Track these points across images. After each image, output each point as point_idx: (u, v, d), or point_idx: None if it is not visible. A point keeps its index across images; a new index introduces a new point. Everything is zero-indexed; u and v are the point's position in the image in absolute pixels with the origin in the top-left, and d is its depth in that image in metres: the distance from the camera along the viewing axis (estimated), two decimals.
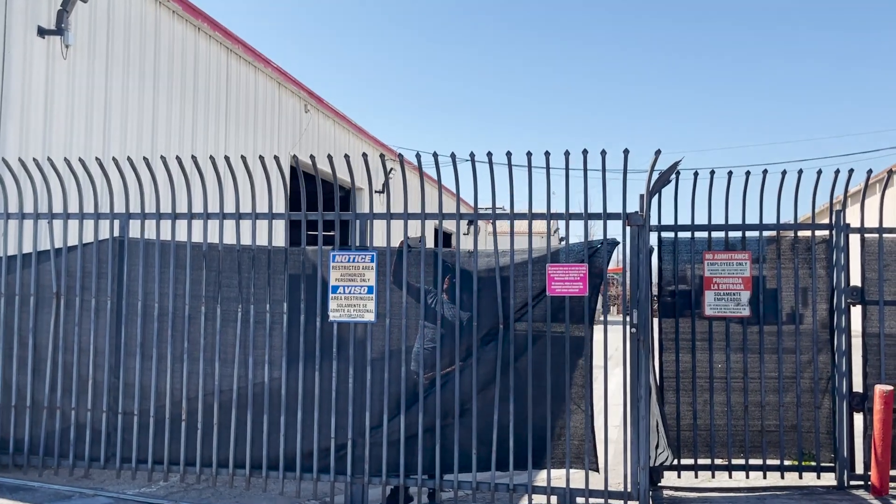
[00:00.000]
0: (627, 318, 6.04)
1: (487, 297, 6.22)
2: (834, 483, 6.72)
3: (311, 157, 6.63)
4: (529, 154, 6.03)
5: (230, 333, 6.52)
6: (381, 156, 6.96)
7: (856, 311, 6.79)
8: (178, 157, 6.59)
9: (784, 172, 6.80)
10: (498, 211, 6.41)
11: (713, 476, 6.87)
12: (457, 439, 6.12)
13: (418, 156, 6.73)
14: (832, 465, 6.76)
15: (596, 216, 6.12)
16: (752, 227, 6.93)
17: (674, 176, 6.50)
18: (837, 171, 6.77)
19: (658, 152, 5.85)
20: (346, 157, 6.39)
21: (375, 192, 15.33)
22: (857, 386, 6.78)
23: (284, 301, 6.44)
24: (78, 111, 8.81)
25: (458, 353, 6.17)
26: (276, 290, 6.50)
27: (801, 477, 6.81)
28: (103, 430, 6.64)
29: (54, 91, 8.41)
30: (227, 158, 6.52)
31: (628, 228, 6.04)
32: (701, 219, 6.93)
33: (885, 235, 6.74)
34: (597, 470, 6.12)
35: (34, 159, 6.95)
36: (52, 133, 8.35)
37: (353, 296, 6.34)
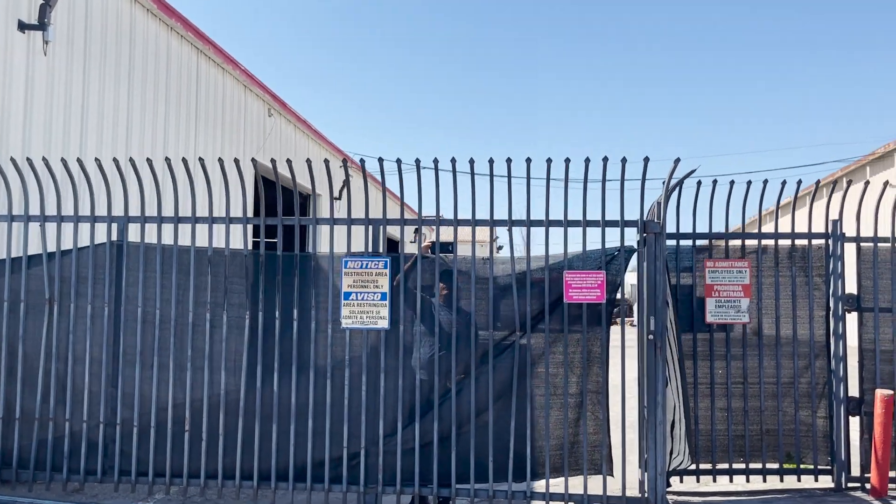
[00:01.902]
0: (643, 325, 6.10)
1: (502, 304, 6.22)
2: (831, 485, 6.89)
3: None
4: (549, 161, 6.04)
5: (235, 340, 6.35)
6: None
7: (852, 318, 6.99)
8: (184, 160, 6.39)
9: (784, 182, 6.97)
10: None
11: (714, 480, 6.97)
12: (473, 447, 6.07)
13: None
14: (829, 467, 6.94)
15: (613, 223, 6.16)
16: (751, 236, 7.08)
17: (675, 185, 6.59)
18: (835, 183, 6.97)
19: (677, 161, 5.93)
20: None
21: (334, 198, 15.20)
22: (853, 390, 6.99)
23: (294, 307, 6.30)
24: (57, 109, 8.45)
25: (475, 359, 6.13)
26: (285, 295, 6.35)
27: (799, 480, 6.97)
28: (100, 442, 6.37)
29: (34, 88, 8.05)
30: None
31: (645, 236, 6.10)
32: (702, 227, 7.06)
33: (879, 245, 6.96)
34: (612, 474, 6.16)
35: (28, 159, 6.65)
36: (31, 131, 7.98)
37: (365, 302, 6.24)
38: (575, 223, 6.20)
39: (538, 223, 6.25)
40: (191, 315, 6.35)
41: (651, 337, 5.99)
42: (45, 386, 6.44)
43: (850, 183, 6.94)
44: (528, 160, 6.11)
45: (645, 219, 6.25)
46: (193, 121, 11.86)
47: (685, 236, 7.05)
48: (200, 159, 6.41)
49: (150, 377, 6.35)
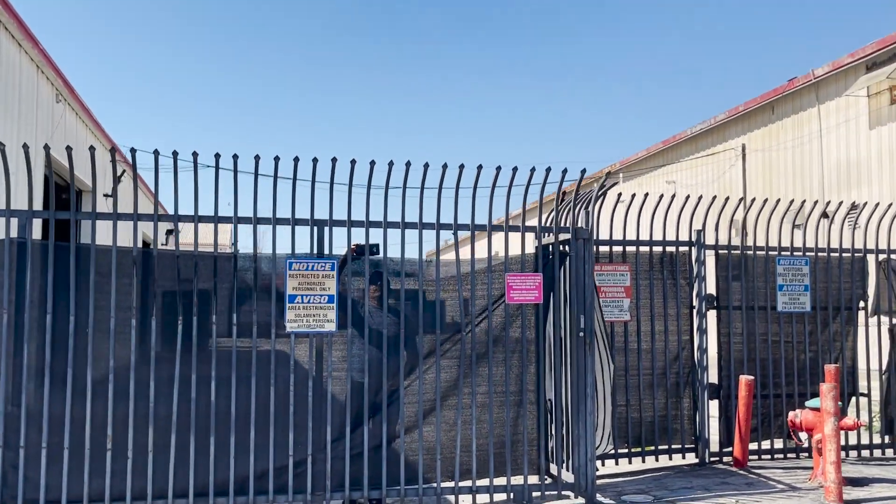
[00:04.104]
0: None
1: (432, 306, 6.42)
2: (696, 461, 7.91)
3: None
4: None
5: (166, 348, 5.86)
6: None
7: (712, 316, 8.09)
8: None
9: (661, 196, 7.89)
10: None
11: (603, 464, 7.67)
12: (420, 450, 6.17)
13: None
14: (692, 446, 7.95)
15: (548, 230, 6.61)
16: (630, 243, 7.90)
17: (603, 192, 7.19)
18: (700, 197, 8.05)
19: (608, 174, 6.53)
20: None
21: (104, 195, 14.06)
22: (713, 378, 8.08)
23: (233, 312, 5.96)
24: None
25: (419, 361, 6.25)
26: (221, 299, 5.99)
27: (670, 458, 7.91)
28: None
29: None
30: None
31: (576, 242, 6.62)
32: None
33: (732, 252, 8.14)
34: (548, 470, 6.61)
35: None
36: None
37: (312, 305, 6.08)
38: (514, 228, 6.55)
39: (481, 227, 6.51)
40: (112, 321, 5.75)
41: (582, 334, 6.50)
42: None
43: (714, 198, 8.12)
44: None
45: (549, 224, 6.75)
46: None
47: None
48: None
49: (63, 392, 5.64)
